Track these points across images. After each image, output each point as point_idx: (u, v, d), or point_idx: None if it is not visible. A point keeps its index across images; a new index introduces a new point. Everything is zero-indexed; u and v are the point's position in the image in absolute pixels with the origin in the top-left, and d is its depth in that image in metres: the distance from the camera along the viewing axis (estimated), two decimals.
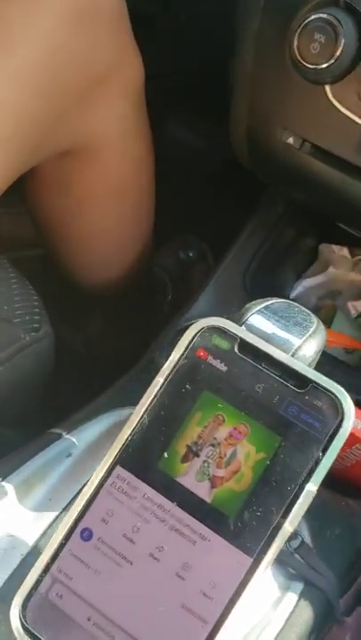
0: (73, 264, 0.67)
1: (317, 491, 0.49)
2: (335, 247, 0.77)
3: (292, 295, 0.78)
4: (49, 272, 0.74)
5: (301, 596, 0.37)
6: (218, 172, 0.88)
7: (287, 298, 0.78)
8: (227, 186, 0.85)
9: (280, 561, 0.38)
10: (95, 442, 0.41)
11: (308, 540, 0.42)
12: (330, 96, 0.48)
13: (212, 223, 0.83)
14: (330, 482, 0.51)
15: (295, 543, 0.39)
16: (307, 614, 0.37)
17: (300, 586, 0.38)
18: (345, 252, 0.77)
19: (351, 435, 0.49)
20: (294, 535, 0.39)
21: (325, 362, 0.60)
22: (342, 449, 0.50)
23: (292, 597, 0.37)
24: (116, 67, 0.52)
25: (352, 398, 0.54)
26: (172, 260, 0.90)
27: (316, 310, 0.77)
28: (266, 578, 0.38)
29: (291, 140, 0.51)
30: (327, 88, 0.48)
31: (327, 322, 0.73)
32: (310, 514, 0.45)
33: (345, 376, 0.57)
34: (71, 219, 0.61)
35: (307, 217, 0.71)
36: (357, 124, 0.48)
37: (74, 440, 0.41)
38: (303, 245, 0.76)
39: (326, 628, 0.41)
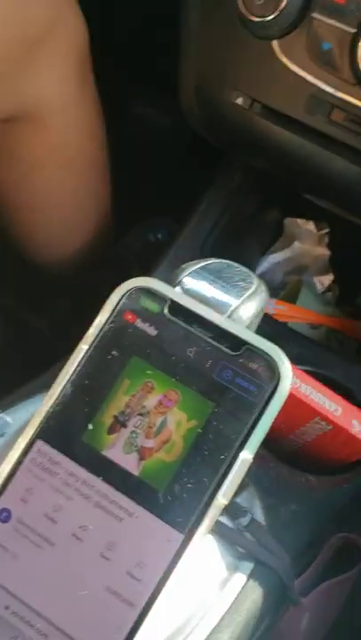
0: (26, 241, 0.65)
1: (274, 466, 0.47)
2: (300, 221, 0.75)
3: (258, 271, 0.75)
4: (11, 255, 0.72)
5: (251, 576, 0.35)
6: (188, 150, 0.86)
7: None
8: (197, 164, 0.83)
9: (228, 540, 0.36)
10: None
11: (260, 517, 0.40)
12: (277, 52, 0.46)
13: (181, 203, 0.80)
14: (290, 458, 0.49)
15: (245, 520, 0.37)
16: (256, 595, 0.35)
17: (249, 566, 0.36)
18: (311, 225, 0.75)
19: (309, 408, 0.47)
20: (244, 512, 0.37)
21: (288, 337, 0.58)
22: (301, 423, 0.48)
23: (240, 578, 0.35)
24: (55, 26, 0.50)
25: (313, 372, 0.52)
26: (139, 241, 0.88)
27: (282, 286, 0.75)
28: (212, 558, 0.35)
29: (240, 101, 0.49)
30: (275, 44, 0.46)
31: (293, 298, 0.71)
32: (263, 490, 0.43)
33: (306, 351, 0.55)
34: (18, 190, 0.58)
35: (269, 188, 0.69)
36: (306, 81, 0.46)
37: (7, 419, 0.39)
38: (267, 219, 0.74)
39: (282, 610, 0.39)
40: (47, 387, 0.44)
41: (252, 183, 0.65)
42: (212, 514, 0.27)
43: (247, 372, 0.29)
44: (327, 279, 0.74)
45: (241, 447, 0.28)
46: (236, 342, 0.29)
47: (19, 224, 0.63)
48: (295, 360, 0.53)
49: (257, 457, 0.48)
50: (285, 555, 0.37)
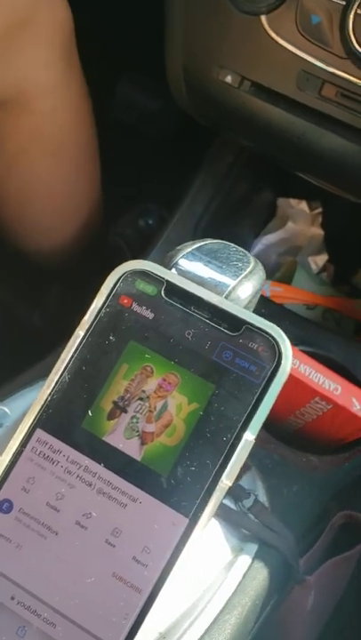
0: (15, 229, 0.64)
1: (276, 447, 0.47)
2: (293, 201, 0.74)
3: (253, 253, 0.75)
4: (1, 246, 0.71)
5: (256, 557, 0.35)
6: (176, 135, 0.85)
7: None
8: (186, 149, 0.82)
9: (232, 522, 0.36)
10: None
11: (263, 498, 0.40)
12: (266, 27, 0.45)
13: (171, 189, 0.80)
14: (291, 439, 0.49)
15: (248, 502, 0.37)
16: (261, 576, 0.34)
17: (254, 547, 0.36)
18: (303, 205, 0.74)
19: (309, 388, 0.47)
20: (247, 494, 0.37)
21: (285, 318, 0.58)
22: (302, 403, 0.48)
23: (245, 560, 0.35)
24: (38, 9, 0.49)
25: (312, 352, 0.52)
26: (130, 228, 0.87)
27: (276, 267, 0.74)
28: (217, 541, 0.35)
29: (229, 79, 0.48)
30: (263, 19, 0.45)
31: (288, 278, 0.71)
32: (266, 471, 0.42)
33: (303, 331, 0.54)
34: (6, 178, 0.57)
35: (261, 169, 0.68)
36: (296, 56, 0.45)
37: (6, 410, 0.38)
38: (260, 200, 0.73)
39: (288, 589, 0.39)
40: (44, 375, 0.43)
41: (243, 164, 0.64)
42: (217, 496, 0.27)
43: (247, 352, 0.28)
44: (322, 259, 0.73)
45: (243, 428, 0.28)
46: (235, 322, 0.29)
47: (8, 214, 0.62)
48: (293, 341, 0.53)
49: (258, 439, 0.48)
50: (289, 534, 0.37)
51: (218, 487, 0.27)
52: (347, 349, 0.54)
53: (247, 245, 0.74)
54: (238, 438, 0.28)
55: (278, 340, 0.28)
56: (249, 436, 0.28)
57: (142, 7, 0.68)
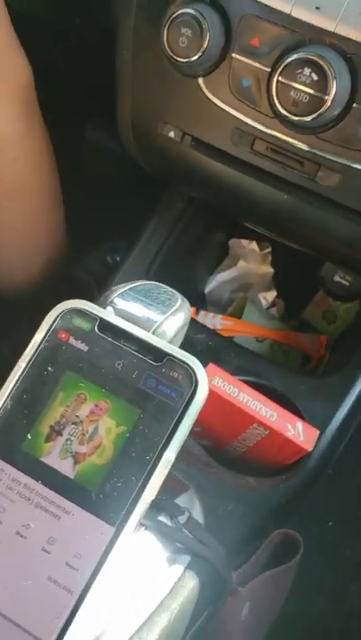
0: None
1: (216, 471, 0.50)
2: (244, 241, 0.79)
3: (207, 290, 0.79)
4: None
5: (188, 567, 0.38)
6: (142, 176, 0.90)
7: (202, 293, 0.80)
8: (153, 189, 0.87)
9: (167, 536, 0.39)
10: None
11: (198, 516, 0.43)
12: (203, 88, 0.50)
13: (139, 227, 0.84)
14: (236, 464, 0.52)
15: (183, 519, 0.40)
16: (192, 584, 0.38)
17: (187, 558, 0.39)
18: (254, 245, 0.79)
19: (247, 415, 0.51)
20: (182, 511, 0.40)
21: (231, 350, 0.61)
22: (241, 429, 0.52)
23: (177, 569, 0.38)
24: (0, 71, 0.53)
25: (254, 382, 0.55)
26: (99, 265, 0.91)
27: (229, 303, 0.78)
28: (151, 552, 0.38)
29: (172, 134, 0.53)
30: (201, 81, 0.50)
31: (239, 313, 0.75)
32: (204, 493, 0.46)
33: (247, 362, 0.58)
34: None
35: (211, 213, 0.73)
36: (230, 114, 0.50)
37: None
38: (213, 240, 0.78)
39: (223, 601, 0.42)
40: None
41: (195, 208, 0.69)
42: (140, 508, 0.31)
43: (169, 380, 0.32)
44: (271, 295, 0.78)
45: (164, 448, 0.31)
46: (158, 354, 0.33)
47: None
48: (237, 371, 0.57)
49: (201, 463, 0.51)
50: (220, 548, 0.40)
51: (141, 500, 0.31)
52: (287, 379, 0.58)
53: (202, 283, 0.78)
54: (159, 457, 0.31)
55: (195, 369, 0.32)
56: (169, 455, 0.31)
57: (104, 56, 0.74)
